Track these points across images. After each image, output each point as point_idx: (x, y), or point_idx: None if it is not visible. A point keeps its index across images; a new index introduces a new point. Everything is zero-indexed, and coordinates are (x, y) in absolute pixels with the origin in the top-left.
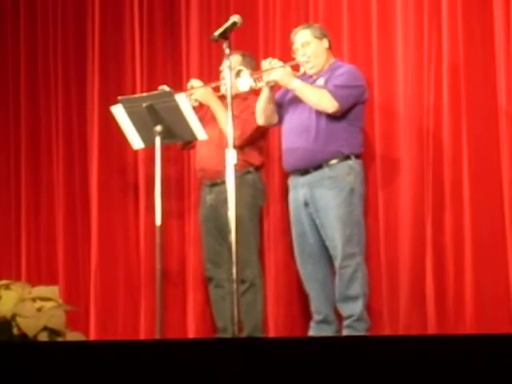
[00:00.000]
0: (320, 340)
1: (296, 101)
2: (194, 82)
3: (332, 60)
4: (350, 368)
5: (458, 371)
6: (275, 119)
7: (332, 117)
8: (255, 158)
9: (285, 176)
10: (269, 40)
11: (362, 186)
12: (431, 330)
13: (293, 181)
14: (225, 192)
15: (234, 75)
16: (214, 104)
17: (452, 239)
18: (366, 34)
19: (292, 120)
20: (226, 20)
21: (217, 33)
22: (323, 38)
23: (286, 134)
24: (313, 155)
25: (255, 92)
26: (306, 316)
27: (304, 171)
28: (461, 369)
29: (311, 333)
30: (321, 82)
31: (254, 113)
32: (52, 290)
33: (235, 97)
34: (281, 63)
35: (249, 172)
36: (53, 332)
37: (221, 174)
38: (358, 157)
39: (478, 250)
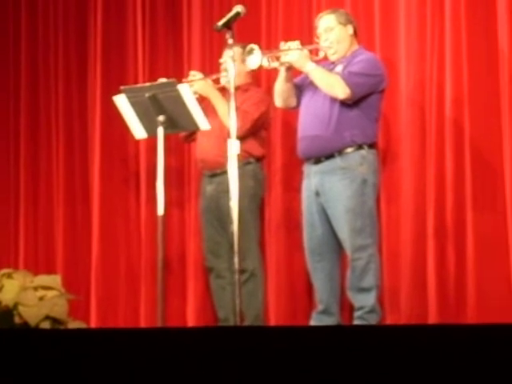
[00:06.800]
0: (320, 329)
1: (313, 86)
2: (194, 75)
3: (356, 47)
4: (350, 358)
5: (459, 361)
6: (293, 102)
7: (345, 104)
8: (256, 148)
9: (286, 166)
10: (271, 30)
11: (376, 177)
12: (432, 319)
13: (306, 169)
14: (225, 182)
15: (246, 53)
16: (214, 96)
17: (453, 229)
18: (368, 22)
19: (307, 106)
20: (229, 10)
21: (220, 23)
22: (348, 24)
23: (301, 120)
24: (324, 143)
25: (256, 83)
26: (308, 307)
27: (316, 160)
28: (462, 359)
29: (312, 323)
30: (339, 68)
31: (255, 104)
32: (54, 279)
33: (236, 89)
34: (299, 46)
35: (249, 163)
36: (55, 321)
37: (221, 164)
38: (371, 146)
39: (480, 240)
